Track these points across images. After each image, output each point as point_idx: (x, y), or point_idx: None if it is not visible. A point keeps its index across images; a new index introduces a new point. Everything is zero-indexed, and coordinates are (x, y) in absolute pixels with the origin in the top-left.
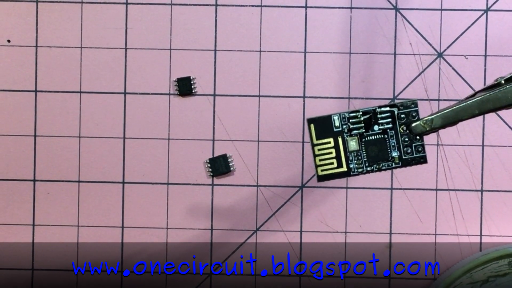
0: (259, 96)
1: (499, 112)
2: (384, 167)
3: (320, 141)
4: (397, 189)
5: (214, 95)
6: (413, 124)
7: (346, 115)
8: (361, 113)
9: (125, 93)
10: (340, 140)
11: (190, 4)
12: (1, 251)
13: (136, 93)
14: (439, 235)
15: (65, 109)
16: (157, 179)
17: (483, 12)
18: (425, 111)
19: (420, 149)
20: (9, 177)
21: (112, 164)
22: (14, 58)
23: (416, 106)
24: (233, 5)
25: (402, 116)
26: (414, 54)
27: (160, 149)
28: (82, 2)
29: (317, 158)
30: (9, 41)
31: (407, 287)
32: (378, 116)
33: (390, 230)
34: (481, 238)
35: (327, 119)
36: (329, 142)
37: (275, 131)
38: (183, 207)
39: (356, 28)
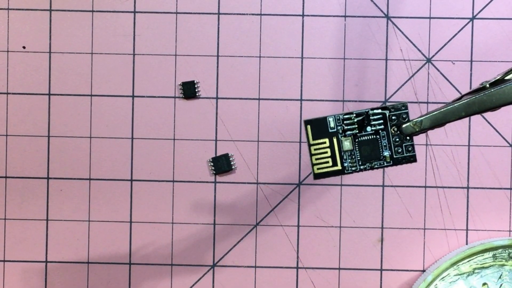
0: (258, 99)
1: (484, 114)
2: (376, 166)
3: (316, 141)
4: (388, 186)
5: (217, 98)
6: (404, 125)
7: (341, 116)
8: (354, 115)
9: (133, 96)
10: (335, 140)
11: (194, 13)
12: (17, 244)
13: (143, 96)
14: (427, 229)
15: (76, 111)
16: (163, 177)
17: (469, 20)
18: (415, 113)
19: (410, 148)
20: (24, 175)
21: (121, 163)
22: (29, 63)
23: (406, 108)
24: (234, 14)
25: (393, 117)
26: (404, 60)
27: (166, 149)
28: (92, 11)
29: (313, 157)
30: (24, 47)
31: (397, 278)
32: (371, 117)
33: (382, 225)
34: (467, 232)
35: (323, 120)
36: (325, 142)
37: (274, 131)
38: (187, 203)
39: (350, 35)
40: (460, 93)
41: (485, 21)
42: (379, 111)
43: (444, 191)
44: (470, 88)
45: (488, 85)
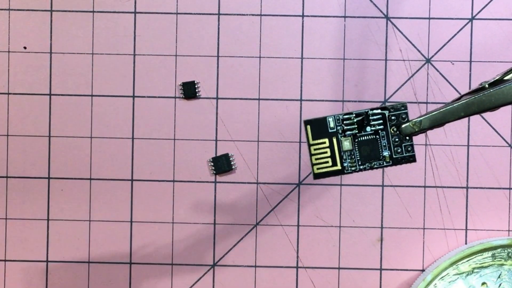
0: (258, 99)
1: (483, 114)
2: (375, 166)
3: (316, 141)
4: (388, 186)
5: (217, 98)
6: (403, 126)
7: (340, 117)
8: (354, 115)
9: (133, 96)
10: (334, 140)
11: (194, 13)
12: (18, 244)
13: (144, 96)
14: (427, 229)
15: (77, 111)
16: (164, 176)
17: (468, 20)
18: (414, 113)
19: (409, 148)
20: (25, 174)
21: (122, 163)
22: (30, 63)
23: (406, 108)
24: (234, 14)
25: (393, 118)
26: (403, 60)
27: (166, 149)
28: (93, 12)
29: (313, 157)
30: (25, 47)
31: (397, 278)
32: (370, 118)
33: (381, 225)
34: (466, 232)
35: (323, 120)
36: (325, 142)
37: (274, 132)
38: (188, 203)
39: (350, 35)
40: (459, 93)
41: (484, 21)
42: (379, 111)
43: (443, 191)
44: (469, 88)
45: (487, 86)
